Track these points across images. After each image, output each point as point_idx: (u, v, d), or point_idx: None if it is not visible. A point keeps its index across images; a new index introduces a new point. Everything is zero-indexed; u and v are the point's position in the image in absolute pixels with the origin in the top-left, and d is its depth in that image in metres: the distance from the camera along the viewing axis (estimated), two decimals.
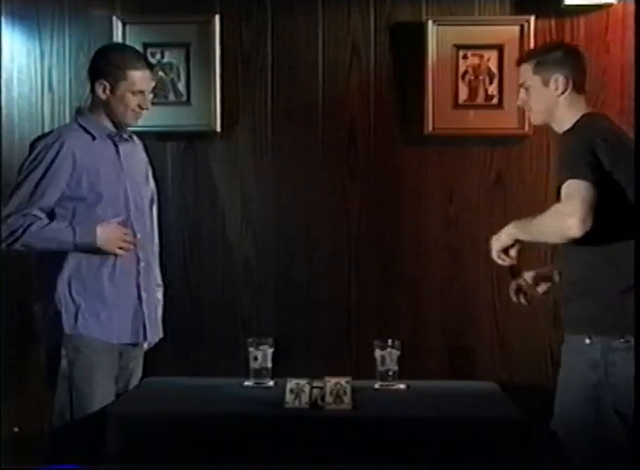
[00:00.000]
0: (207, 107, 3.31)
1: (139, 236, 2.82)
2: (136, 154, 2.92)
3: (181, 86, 3.33)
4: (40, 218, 2.69)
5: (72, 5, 3.35)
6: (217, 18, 3.29)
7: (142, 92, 2.79)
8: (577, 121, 2.52)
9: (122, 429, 2.43)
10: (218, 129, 3.32)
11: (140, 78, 2.78)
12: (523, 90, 2.63)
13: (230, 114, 3.33)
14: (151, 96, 2.87)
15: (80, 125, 2.80)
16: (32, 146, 2.77)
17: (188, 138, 3.35)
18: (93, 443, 2.52)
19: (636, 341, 2.34)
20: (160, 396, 2.74)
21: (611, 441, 2.39)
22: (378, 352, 2.75)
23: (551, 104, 2.57)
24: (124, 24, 3.30)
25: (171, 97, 3.34)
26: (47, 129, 3.19)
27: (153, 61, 3.28)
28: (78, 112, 2.86)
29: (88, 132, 2.78)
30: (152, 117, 3.04)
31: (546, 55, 2.59)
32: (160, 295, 3.01)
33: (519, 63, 2.65)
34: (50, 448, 2.71)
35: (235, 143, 3.36)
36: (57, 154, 2.70)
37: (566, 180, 2.36)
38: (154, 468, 2.40)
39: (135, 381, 2.90)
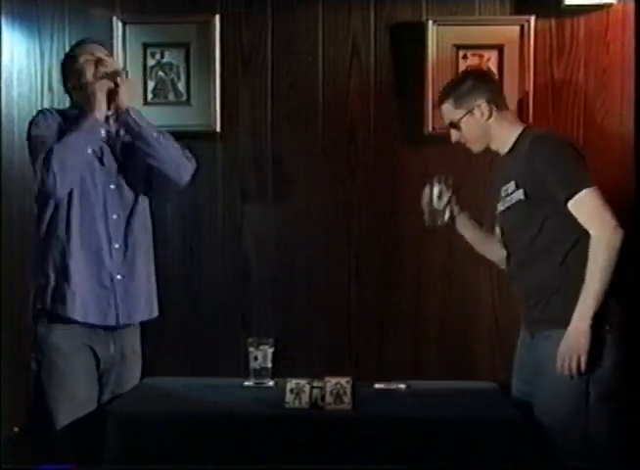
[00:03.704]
0: (207, 107, 3.31)
1: (116, 246, 2.77)
2: (135, 156, 2.87)
3: (181, 86, 3.33)
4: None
5: (72, 5, 3.35)
6: (217, 18, 3.29)
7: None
8: (521, 135, 2.60)
9: (122, 429, 2.43)
10: (218, 129, 3.32)
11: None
12: (452, 130, 2.71)
13: (230, 114, 3.33)
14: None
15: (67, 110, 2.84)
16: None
17: (188, 138, 3.35)
18: (92, 443, 2.52)
19: None
20: (160, 396, 2.74)
21: (598, 433, 2.44)
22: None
23: (484, 130, 2.67)
24: (124, 24, 3.30)
25: (171, 97, 3.33)
26: None
27: (153, 61, 3.30)
28: None
29: (65, 117, 2.77)
30: (152, 117, 3.03)
31: (459, 87, 2.68)
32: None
33: (438, 104, 2.75)
34: (49, 448, 2.71)
35: (235, 143, 3.36)
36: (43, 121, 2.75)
37: (575, 193, 2.45)
38: (153, 468, 2.40)
39: (130, 374, 2.84)
